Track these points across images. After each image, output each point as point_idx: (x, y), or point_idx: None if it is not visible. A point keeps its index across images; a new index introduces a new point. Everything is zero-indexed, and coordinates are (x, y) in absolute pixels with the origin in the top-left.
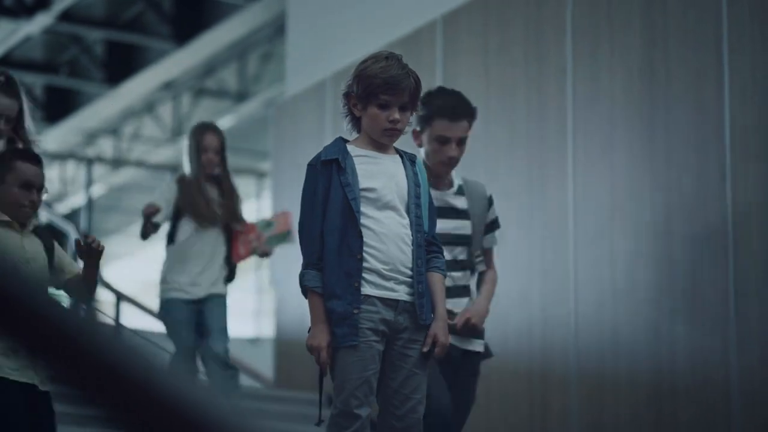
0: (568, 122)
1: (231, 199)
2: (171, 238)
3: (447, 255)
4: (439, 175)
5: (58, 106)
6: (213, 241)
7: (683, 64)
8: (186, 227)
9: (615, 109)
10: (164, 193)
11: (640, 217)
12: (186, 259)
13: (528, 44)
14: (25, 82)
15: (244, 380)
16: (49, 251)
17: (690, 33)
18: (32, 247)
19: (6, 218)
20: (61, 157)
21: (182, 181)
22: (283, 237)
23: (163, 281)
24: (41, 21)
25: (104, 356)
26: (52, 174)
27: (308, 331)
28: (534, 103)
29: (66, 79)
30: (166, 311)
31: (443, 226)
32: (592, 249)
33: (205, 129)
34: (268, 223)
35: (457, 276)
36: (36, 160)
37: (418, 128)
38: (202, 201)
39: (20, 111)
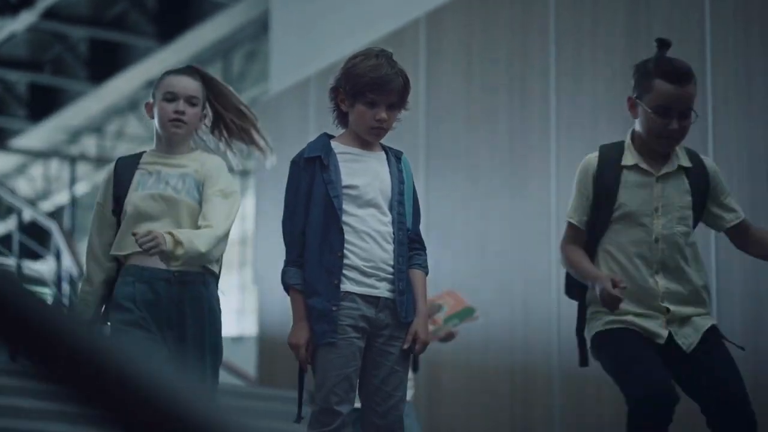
0: (551, 121)
1: None
2: None
3: None
4: None
5: (42, 104)
6: None
7: None
8: None
9: (598, 109)
10: None
11: None
12: None
13: (511, 43)
14: (9, 80)
15: (227, 378)
16: (701, 195)
17: (674, 33)
18: (670, 191)
19: (644, 166)
20: (44, 155)
21: None
22: (465, 313)
23: None
24: (25, 19)
25: (90, 355)
26: (35, 172)
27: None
28: (517, 102)
29: (50, 77)
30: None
31: None
32: None
33: None
34: (439, 307)
35: None
36: None
37: None
38: None
39: (218, 101)
